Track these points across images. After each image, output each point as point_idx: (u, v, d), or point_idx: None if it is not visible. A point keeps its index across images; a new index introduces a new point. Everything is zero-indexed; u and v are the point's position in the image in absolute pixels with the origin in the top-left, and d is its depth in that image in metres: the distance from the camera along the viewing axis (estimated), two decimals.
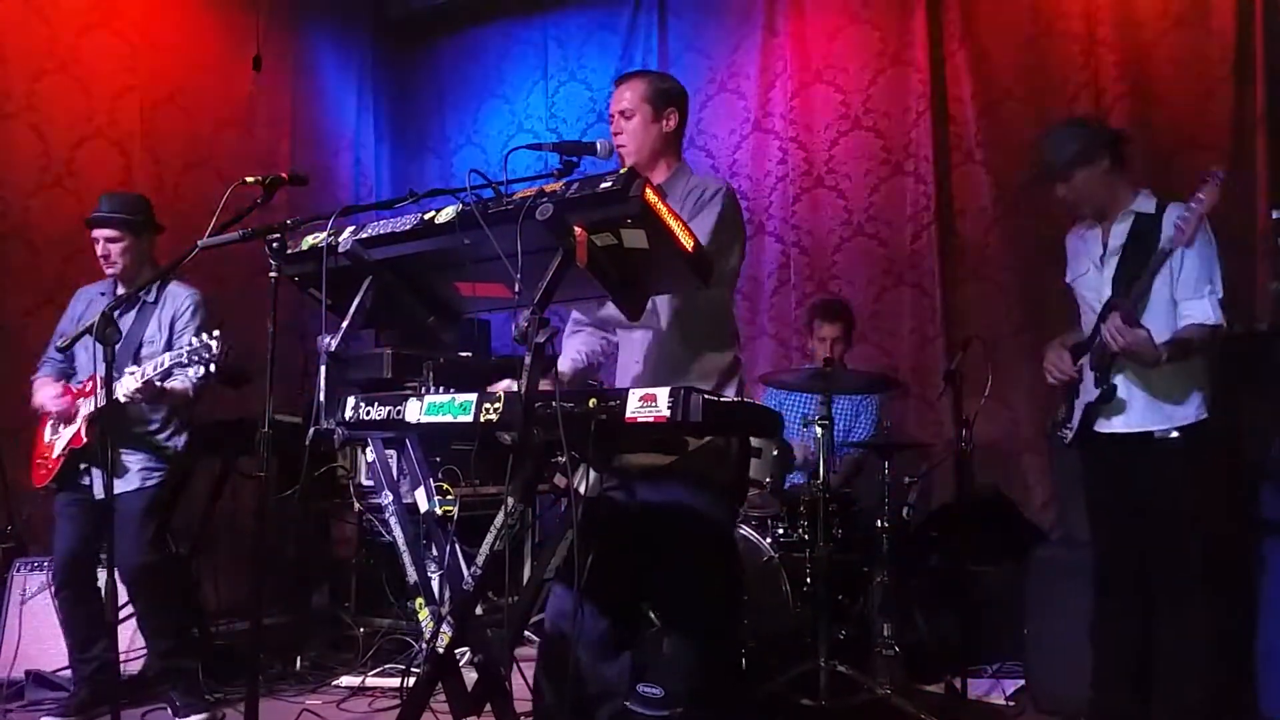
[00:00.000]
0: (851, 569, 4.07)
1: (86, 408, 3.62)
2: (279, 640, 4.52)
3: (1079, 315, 3.33)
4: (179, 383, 3.61)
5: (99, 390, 3.55)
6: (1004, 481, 4.72)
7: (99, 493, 3.64)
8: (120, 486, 3.63)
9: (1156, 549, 3.06)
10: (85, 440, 3.61)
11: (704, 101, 5.66)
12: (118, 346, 3.56)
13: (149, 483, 3.70)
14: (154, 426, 3.75)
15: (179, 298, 3.80)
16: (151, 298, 3.79)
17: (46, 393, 3.74)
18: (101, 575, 3.75)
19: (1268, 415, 3.42)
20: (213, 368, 3.37)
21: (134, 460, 3.70)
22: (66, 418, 3.69)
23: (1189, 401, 3.05)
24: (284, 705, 3.82)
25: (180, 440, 3.80)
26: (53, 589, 3.78)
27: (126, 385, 3.46)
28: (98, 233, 3.75)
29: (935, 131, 5.02)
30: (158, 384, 3.49)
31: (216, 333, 3.38)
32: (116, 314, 3.63)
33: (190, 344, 3.40)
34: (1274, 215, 3.85)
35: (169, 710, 3.69)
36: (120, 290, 3.79)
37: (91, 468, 3.67)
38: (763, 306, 5.46)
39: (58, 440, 3.70)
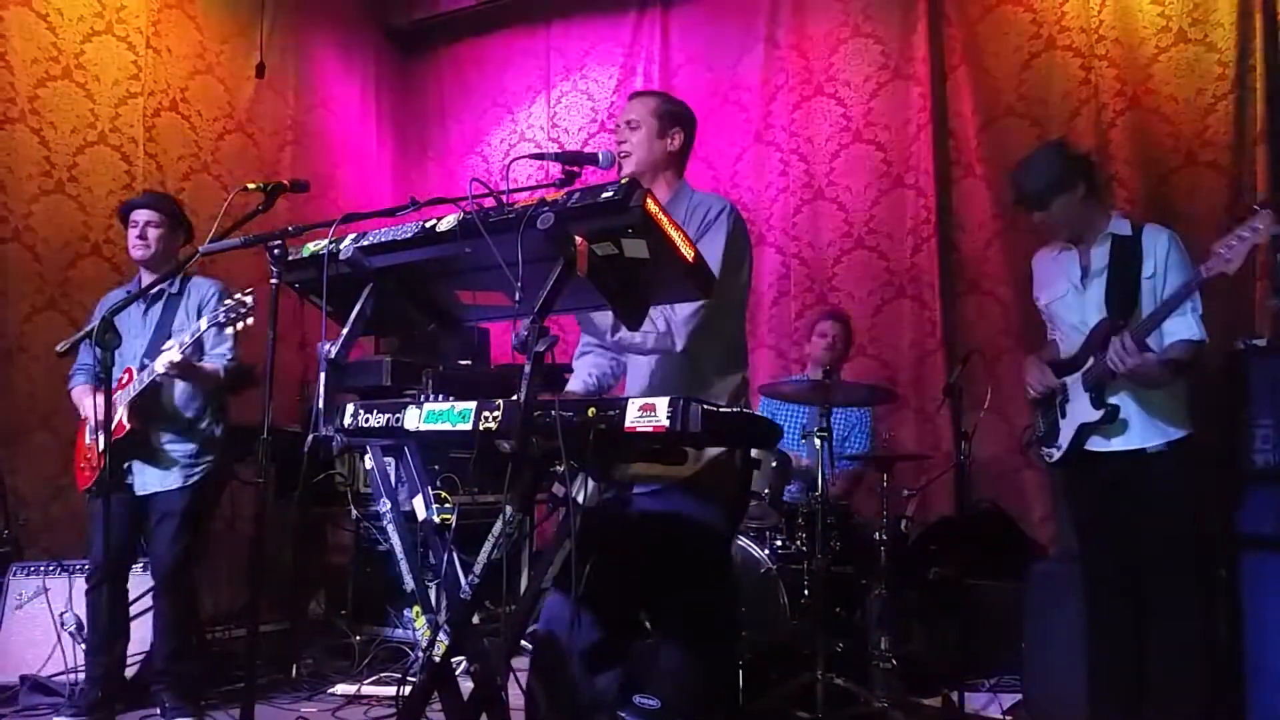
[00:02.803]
0: (849, 581, 4.07)
1: (125, 398, 3.65)
2: (275, 647, 4.51)
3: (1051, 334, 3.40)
4: (210, 363, 3.69)
5: (135, 379, 3.64)
6: (1002, 495, 4.71)
7: (140, 489, 3.72)
8: (161, 484, 3.71)
9: (1147, 563, 3.08)
10: (128, 427, 3.64)
11: (706, 114, 5.67)
12: (150, 338, 3.73)
13: (191, 479, 3.75)
14: (192, 414, 3.79)
15: (203, 287, 3.88)
16: (175, 289, 3.87)
17: (87, 404, 3.77)
18: (131, 578, 3.85)
19: (1269, 431, 3.42)
20: (250, 321, 3.43)
21: (179, 451, 3.74)
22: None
23: (1179, 417, 3.10)
24: (280, 713, 3.81)
25: (218, 429, 3.85)
26: (86, 587, 3.79)
27: (164, 359, 3.52)
28: (139, 214, 3.81)
29: (936, 145, 5.04)
30: (193, 360, 3.58)
31: (250, 289, 3.44)
32: (144, 308, 3.82)
33: (226, 304, 3.45)
34: (1274, 232, 3.86)
35: (159, 711, 3.70)
36: (144, 280, 3.83)
37: (133, 464, 3.72)
38: (762, 318, 5.46)
39: (99, 440, 3.71)
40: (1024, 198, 3.28)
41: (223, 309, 3.46)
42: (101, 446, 3.65)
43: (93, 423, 3.73)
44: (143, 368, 3.64)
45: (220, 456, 3.88)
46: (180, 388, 3.75)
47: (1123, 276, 3.11)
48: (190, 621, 3.92)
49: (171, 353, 3.51)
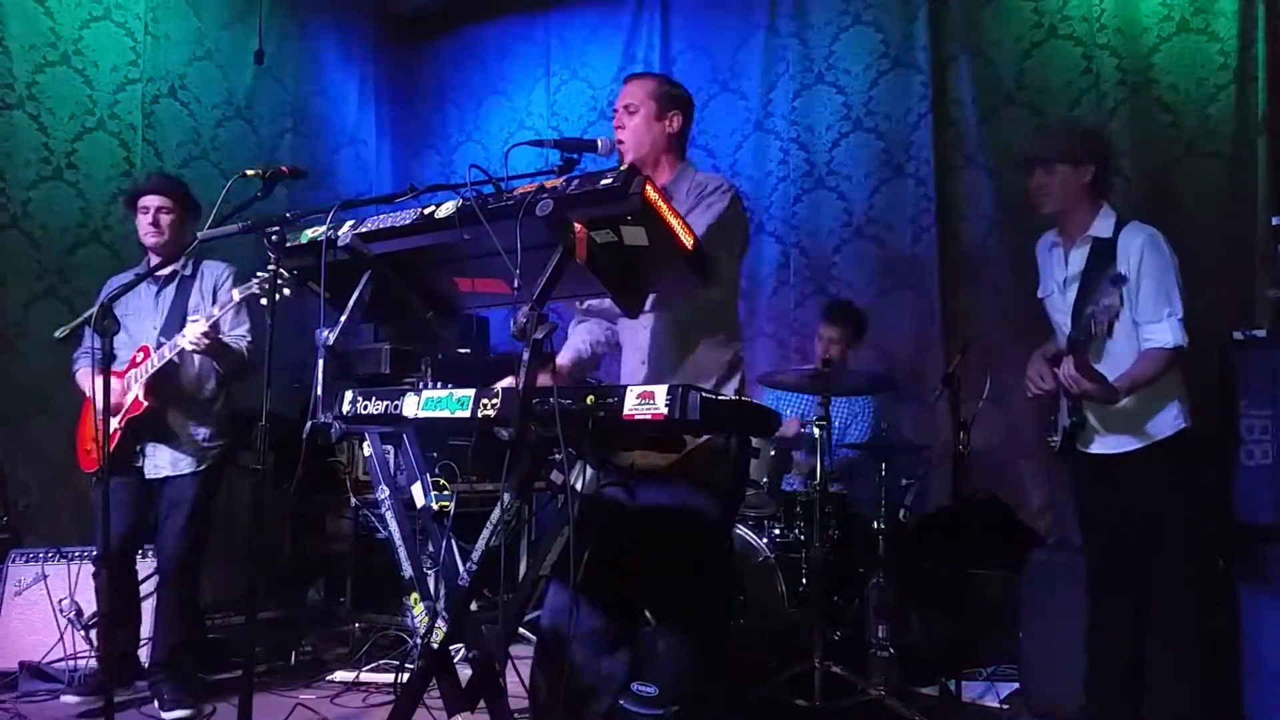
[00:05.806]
0: (847, 570, 4.08)
1: (141, 376, 3.58)
2: (274, 634, 4.53)
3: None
4: (234, 341, 3.65)
5: (152, 356, 3.58)
6: (1000, 485, 4.71)
7: (150, 473, 3.69)
8: (174, 468, 3.67)
9: (1144, 555, 3.08)
10: (146, 405, 3.58)
11: (706, 101, 5.66)
12: (165, 319, 3.68)
13: (204, 465, 3.71)
14: (206, 395, 3.75)
15: (217, 269, 3.85)
16: (188, 271, 3.82)
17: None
18: (139, 560, 3.82)
19: (1267, 421, 3.42)
20: (287, 291, 3.38)
21: (195, 433, 3.70)
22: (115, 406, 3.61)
23: (1164, 415, 3.05)
24: (278, 699, 3.81)
25: (228, 411, 3.81)
26: (93, 570, 3.76)
27: (194, 330, 3.45)
28: (149, 200, 3.74)
29: (937, 134, 5.02)
30: (220, 337, 3.52)
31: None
32: (155, 290, 3.76)
33: (259, 275, 3.35)
34: (1274, 222, 3.85)
35: (156, 702, 3.68)
36: (154, 264, 3.75)
37: (146, 446, 3.68)
38: (761, 307, 5.45)
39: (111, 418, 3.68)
40: (1034, 154, 3.21)
41: (256, 280, 3.39)
42: (117, 420, 3.61)
43: (99, 405, 3.69)
44: (160, 345, 3.58)
45: (231, 442, 3.84)
46: (196, 367, 3.70)
47: (1092, 284, 3.00)
48: (192, 614, 3.88)
49: (200, 324, 3.45)
